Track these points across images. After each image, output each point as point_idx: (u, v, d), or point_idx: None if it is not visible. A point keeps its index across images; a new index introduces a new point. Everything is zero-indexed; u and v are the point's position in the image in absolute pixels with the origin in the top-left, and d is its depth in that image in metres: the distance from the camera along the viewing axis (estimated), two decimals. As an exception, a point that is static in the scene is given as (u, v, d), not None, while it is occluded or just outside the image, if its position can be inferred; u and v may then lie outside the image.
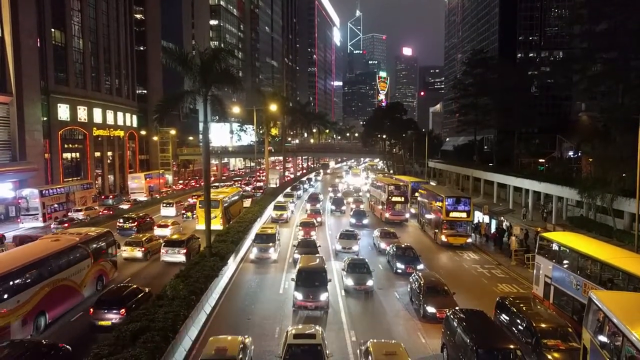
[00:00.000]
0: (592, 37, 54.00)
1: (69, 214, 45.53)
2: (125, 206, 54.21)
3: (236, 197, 47.43)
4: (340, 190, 70.15)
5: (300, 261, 24.15)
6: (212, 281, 21.98)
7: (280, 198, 55.20)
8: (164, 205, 50.15)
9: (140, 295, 20.40)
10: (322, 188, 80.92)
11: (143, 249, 30.22)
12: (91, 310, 19.16)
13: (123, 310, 18.77)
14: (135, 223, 39.29)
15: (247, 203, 51.14)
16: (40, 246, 21.62)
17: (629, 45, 46.68)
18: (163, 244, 30.23)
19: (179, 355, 15.86)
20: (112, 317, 18.69)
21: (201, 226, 38.81)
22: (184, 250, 29.28)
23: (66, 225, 38.99)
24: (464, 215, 35.68)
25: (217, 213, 39.72)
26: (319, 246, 30.73)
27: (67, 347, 15.64)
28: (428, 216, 41.04)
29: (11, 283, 17.65)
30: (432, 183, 67.77)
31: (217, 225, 38.92)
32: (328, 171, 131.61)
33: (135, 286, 21.20)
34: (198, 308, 19.13)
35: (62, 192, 46.81)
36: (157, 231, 37.14)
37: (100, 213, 48.26)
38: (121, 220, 39.89)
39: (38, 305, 18.65)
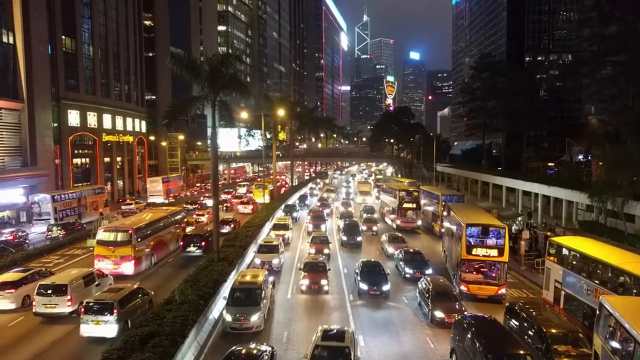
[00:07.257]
0: (602, 40, 53.64)
1: (122, 207, 55.80)
2: (166, 201, 64.08)
3: (276, 185, 68.26)
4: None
5: None
6: (221, 286, 22.03)
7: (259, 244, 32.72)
8: (205, 197, 63.48)
9: (209, 236, 32.65)
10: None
11: (194, 227, 40.84)
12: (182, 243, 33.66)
13: (204, 243, 32.25)
14: (197, 205, 55.80)
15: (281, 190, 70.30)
16: (150, 215, 33.71)
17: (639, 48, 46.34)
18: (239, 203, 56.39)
19: (188, 360, 15.87)
20: (195, 250, 32.47)
21: (257, 200, 60.70)
22: (251, 207, 53.98)
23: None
24: (494, 252, 23.82)
25: (266, 192, 59.25)
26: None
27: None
28: (448, 247, 30.59)
29: (144, 231, 29.06)
30: (441, 187, 67.08)
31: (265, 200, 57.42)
32: (327, 181, 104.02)
33: (209, 230, 33.93)
34: (206, 313, 19.18)
35: (74, 197, 47.26)
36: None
37: (140, 209, 53.33)
38: (186, 204, 55.98)
39: (152, 249, 29.96)
